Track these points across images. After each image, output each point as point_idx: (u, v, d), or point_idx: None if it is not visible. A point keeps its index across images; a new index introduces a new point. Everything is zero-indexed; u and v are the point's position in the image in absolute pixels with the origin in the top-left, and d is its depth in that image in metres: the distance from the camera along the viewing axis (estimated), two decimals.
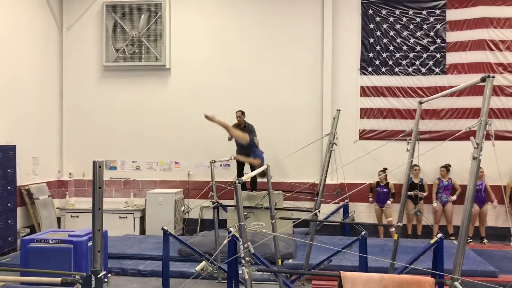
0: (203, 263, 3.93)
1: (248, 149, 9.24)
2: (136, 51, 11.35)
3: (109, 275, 3.72)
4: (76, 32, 11.64)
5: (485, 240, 10.01)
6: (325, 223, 9.56)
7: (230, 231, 5.26)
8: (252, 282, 5.34)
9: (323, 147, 10.51)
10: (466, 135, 11.21)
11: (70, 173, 11.56)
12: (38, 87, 10.79)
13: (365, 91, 10.82)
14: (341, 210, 10.47)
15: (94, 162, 3.45)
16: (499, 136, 10.25)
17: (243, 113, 9.73)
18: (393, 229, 9.45)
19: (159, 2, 11.15)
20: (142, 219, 10.84)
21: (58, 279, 3.66)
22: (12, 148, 9.34)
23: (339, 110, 8.00)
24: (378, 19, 10.74)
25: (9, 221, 9.12)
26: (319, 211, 7.97)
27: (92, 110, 11.57)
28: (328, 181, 9.82)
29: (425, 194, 10.16)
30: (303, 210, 8.74)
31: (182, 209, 10.73)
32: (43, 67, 10.98)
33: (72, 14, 11.63)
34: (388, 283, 3.61)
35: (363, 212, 10.65)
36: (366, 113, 10.84)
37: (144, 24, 11.26)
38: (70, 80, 11.68)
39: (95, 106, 11.57)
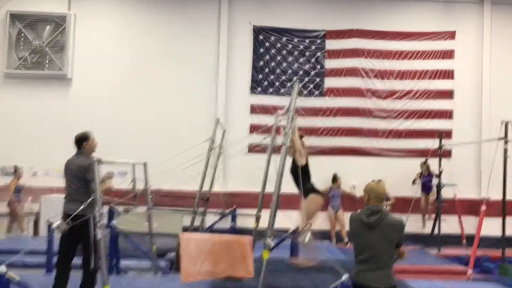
0: (59, 221, 4.65)
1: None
2: (39, 60, 11.75)
3: None
4: None
5: (349, 243, 11.15)
6: (214, 227, 10.36)
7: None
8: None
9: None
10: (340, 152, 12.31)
11: None
12: None
13: (254, 109, 11.94)
14: (230, 217, 11.32)
15: None
16: (362, 152, 11.82)
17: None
18: None
19: (64, 14, 11.70)
20: (36, 223, 11.12)
21: None
22: None
23: (218, 119, 8.99)
24: (267, 44, 12.01)
25: None
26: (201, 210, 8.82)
27: None
28: (218, 189, 10.72)
29: None
30: (188, 210, 9.43)
31: None
32: None
33: None
34: (216, 241, 4.50)
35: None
36: (255, 129, 11.89)
37: (49, 35, 11.72)
38: None
39: None
